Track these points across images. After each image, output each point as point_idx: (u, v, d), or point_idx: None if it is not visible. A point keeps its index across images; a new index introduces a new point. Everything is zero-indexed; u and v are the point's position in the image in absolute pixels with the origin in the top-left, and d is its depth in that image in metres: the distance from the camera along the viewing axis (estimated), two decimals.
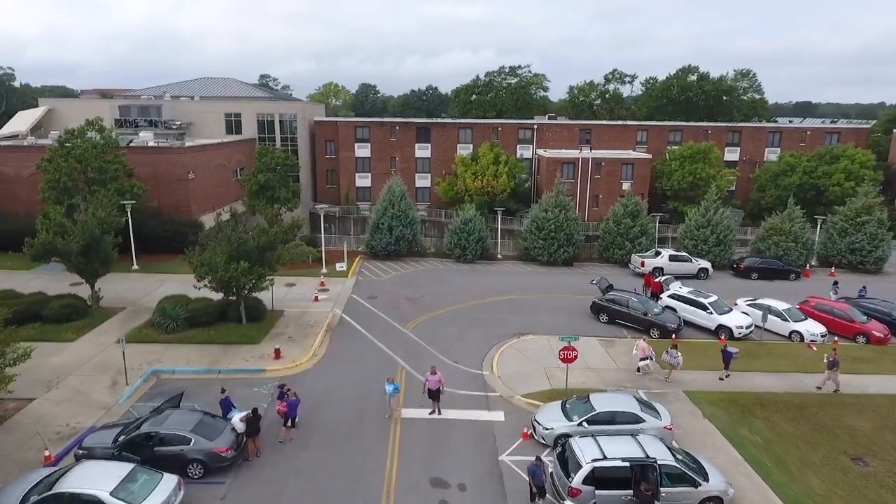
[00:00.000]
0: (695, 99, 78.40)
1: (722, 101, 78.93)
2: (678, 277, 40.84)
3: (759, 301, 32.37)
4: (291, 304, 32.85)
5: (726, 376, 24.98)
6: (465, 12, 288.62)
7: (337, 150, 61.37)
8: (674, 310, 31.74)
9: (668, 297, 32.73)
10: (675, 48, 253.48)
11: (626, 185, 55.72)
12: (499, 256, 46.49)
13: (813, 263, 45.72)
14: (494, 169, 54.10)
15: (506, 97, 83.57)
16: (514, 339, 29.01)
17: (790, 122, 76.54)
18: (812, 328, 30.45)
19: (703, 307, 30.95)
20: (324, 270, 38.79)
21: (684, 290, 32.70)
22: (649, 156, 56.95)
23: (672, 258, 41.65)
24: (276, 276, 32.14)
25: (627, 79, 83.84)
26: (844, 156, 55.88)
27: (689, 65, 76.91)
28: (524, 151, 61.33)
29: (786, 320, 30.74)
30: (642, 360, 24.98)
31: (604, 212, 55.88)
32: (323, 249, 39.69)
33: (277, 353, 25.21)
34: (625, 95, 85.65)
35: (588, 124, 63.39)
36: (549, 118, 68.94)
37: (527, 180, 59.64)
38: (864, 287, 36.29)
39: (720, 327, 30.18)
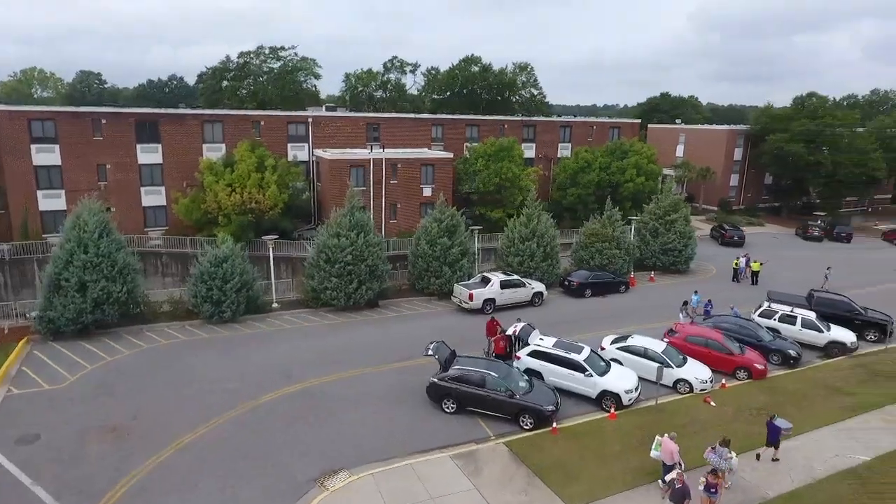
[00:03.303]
0: (479, 91, 73.27)
1: (504, 95, 75.40)
2: (511, 308, 32.54)
3: (631, 343, 24.95)
4: None
5: (774, 459, 17.66)
6: (225, 4, 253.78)
7: (0, 157, 39.63)
8: (540, 375, 22.45)
9: (529, 356, 23.21)
10: (428, 53, 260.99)
11: (427, 191, 46.28)
12: (275, 305, 32.28)
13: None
14: (259, 177, 39.47)
15: (268, 85, 67.82)
16: (320, 492, 16.24)
17: (574, 117, 76.53)
18: (699, 373, 23.87)
19: (580, 368, 22.07)
20: None
21: (548, 343, 23.47)
22: (450, 155, 48.38)
23: (504, 285, 32.85)
24: None
25: (409, 67, 75.20)
26: (632, 150, 54.95)
27: (472, 55, 71.42)
28: (298, 152, 47.57)
29: (668, 366, 23.68)
30: (669, 469, 15.42)
31: (404, 225, 45.66)
32: None
33: None
34: (407, 88, 76.95)
35: (376, 118, 52.19)
36: (328, 109, 56.11)
37: (304, 190, 46.14)
38: (710, 301, 32.06)
39: (604, 394, 21.67)
